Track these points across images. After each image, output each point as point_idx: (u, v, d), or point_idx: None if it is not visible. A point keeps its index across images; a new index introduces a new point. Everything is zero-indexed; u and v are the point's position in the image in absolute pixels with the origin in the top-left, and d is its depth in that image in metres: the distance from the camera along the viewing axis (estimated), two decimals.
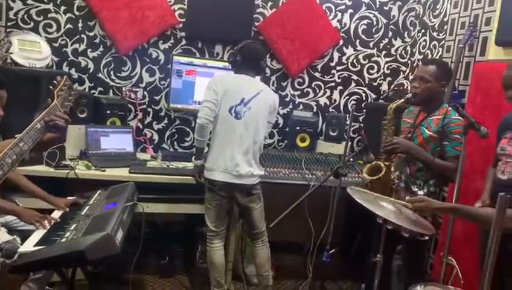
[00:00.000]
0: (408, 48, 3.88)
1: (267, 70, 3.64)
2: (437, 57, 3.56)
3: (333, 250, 2.47)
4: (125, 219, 2.23)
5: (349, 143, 3.76)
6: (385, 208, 1.97)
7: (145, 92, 3.49)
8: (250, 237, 2.88)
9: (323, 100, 3.84)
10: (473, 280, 2.23)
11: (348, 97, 3.87)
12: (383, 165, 2.39)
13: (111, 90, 3.44)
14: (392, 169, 2.48)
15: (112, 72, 3.42)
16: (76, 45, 3.34)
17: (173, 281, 3.19)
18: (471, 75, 3.11)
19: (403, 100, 2.45)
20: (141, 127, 3.52)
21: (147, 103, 3.51)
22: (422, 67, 2.51)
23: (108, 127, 3.21)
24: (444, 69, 2.52)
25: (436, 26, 3.60)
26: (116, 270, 2.94)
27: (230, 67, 2.86)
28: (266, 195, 2.83)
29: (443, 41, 3.49)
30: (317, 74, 3.78)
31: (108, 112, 3.23)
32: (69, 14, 3.28)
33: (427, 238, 2.39)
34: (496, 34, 2.90)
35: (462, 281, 2.23)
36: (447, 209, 1.97)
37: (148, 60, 3.47)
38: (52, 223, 2.05)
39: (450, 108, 2.44)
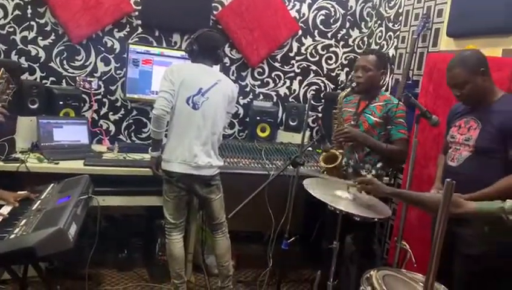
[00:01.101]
0: (365, 39, 3.95)
1: (227, 60, 3.62)
2: (391, 48, 3.65)
3: (293, 238, 2.50)
4: (80, 213, 2.17)
5: (309, 133, 3.84)
6: (342, 199, 2.01)
7: (100, 82, 3.39)
8: (210, 228, 2.87)
9: (283, 90, 3.85)
10: (426, 263, 2.32)
11: (307, 87, 3.91)
12: (338, 153, 2.45)
13: (64, 80, 3.31)
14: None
15: (64, 62, 3.29)
16: (25, 33, 3.18)
17: (132, 274, 3.14)
18: (424, 65, 3.20)
19: (349, 90, 2.57)
20: (96, 118, 3.42)
21: (102, 93, 3.41)
22: (363, 57, 2.65)
23: (61, 118, 3.09)
24: (383, 58, 2.68)
25: (391, 17, 3.68)
26: (72, 265, 2.86)
27: (188, 57, 2.80)
28: (226, 185, 2.83)
29: (398, 32, 3.57)
30: (276, 64, 3.79)
31: (61, 102, 3.11)
32: (16, 0, 3.12)
33: (376, 220, 2.46)
34: (447, 26, 3.00)
35: (415, 265, 2.31)
36: (390, 194, 2.03)
37: (103, 48, 3.36)
38: None
39: (389, 94, 2.66)
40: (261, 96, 3.79)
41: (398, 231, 2.42)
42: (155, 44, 3.42)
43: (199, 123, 2.61)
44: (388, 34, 3.70)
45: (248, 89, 3.75)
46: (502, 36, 2.56)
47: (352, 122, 2.64)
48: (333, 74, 3.93)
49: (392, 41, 3.65)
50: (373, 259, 2.75)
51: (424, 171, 2.93)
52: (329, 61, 3.90)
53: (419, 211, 2.87)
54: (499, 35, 2.59)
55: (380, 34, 3.82)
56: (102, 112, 3.43)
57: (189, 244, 3.05)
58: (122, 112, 3.48)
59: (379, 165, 2.62)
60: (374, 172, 2.61)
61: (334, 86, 3.96)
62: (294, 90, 3.88)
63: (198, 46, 2.68)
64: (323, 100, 3.92)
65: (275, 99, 3.83)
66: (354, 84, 2.58)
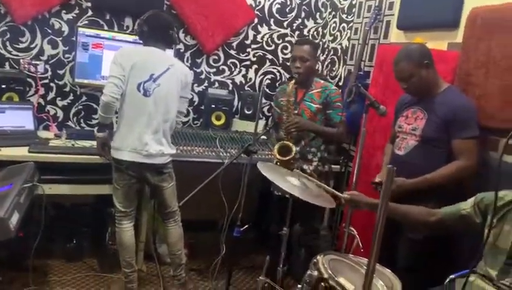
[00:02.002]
0: (320, 29, 3.99)
1: (181, 46, 3.55)
2: (344, 39, 3.72)
3: (246, 226, 2.52)
4: (23, 202, 2.09)
5: (264, 121, 3.86)
6: (290, 183, 2.04)
7: (47, 66, 3.24)
8: (162, 217, 2.83)
9: (238, 78, 3.84)
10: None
11: (263, 76, 3.91)
12: (291, 145, 2.50)
13: (7, 63, 3.14)
14: None
15: (7, 43, 3.12)
16: None
17: (81, 264, 3.06)
18: (375, 56, 3.28)
19: (294, 81, 2.66)
20: (43, 103, 3.27)
21: (49, 77, 3.26)
22: (299, 48, 2.76)
23: (4, 102, 2.94)
24: (317, 47, 2.87)
25: (345, 8, 3.74)
26: (15, 256, 2.75)
27: (139, 40, 2.71)
28: (180, 174, 2.79)
29: (351, 24, 3.64)
30: (232, 52, 3.77)
31: (3, 86, 2.95)
32: None
33: (328, 206, 2.52)
34: (397, 19, 3.09)
35: (362, 249, 2.39)
36: (370, 205, 2.08)
37: (50, 31, 3.20)
38: None
39: (322, 80, 2.84)
40: (217, 84, 3.76)
41: (347, 218, 2.49)
42: (106, 27, 3.30)
43: (150, 111, 2.54)
44: (342, 25, 3.76)
45: (203, 76, 3.71)
46: (448, 30, 2.66)
47: (294, 112, 2.71)
48: (289, 64, 3.94)
49: (345, 32, 3.72)
50: (322, 245, 2.84)
51: (372, 159, 3.03)
52: (284, 51, 3.92)
53: (369, 196, 2.97)
54: (445, 29, 2.69)
55: (334, 24, 3.87)
56: (49, 97, 3.29)
57: (141, 233, 3.00)
58: (71, 97, 3.35)
59: (322, 148, 2.82)
60: (319, 155, 2.79)
61: (289, 76, 3.97)
62: (250, 78, 3.87)
63: (148, 27, 2.58)
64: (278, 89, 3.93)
65: (230, 88, 3.82)
66: (295, 75, 2.67)
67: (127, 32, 3.34)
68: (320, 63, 3.96)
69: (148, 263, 3.15)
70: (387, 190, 1.29)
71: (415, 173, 2.26)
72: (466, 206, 1.93)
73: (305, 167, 2.75)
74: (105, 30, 3.25)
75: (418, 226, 2.08)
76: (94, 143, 2.95)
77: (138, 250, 2.91)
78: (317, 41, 3.92)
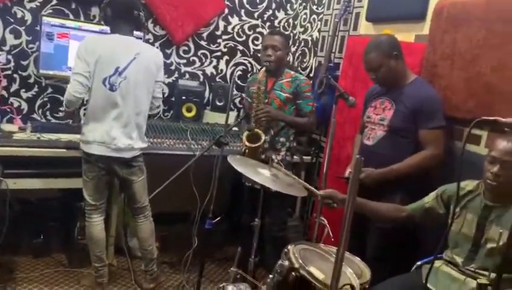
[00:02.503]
0: (290, 21, 3.99)
1: (150, 36, 3.49)
2: (315, 30, 3.74)
3: (218, 218, 2.52)
4: None
5: (236, 113, 3.85)
6: (262, 174, 2.04)
7: (10, 56, 3.11)
8: (132, 212, 2.78)
9: (209, 69, 3.81)
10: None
11: (234, 67, 3.89)
12: (260, 132, 2.50)
13: None
14: None
15: None
16: None
17: (49, 260, 2.99)
18: (345, 48, 3.32)
19: (264, 69, 2.67)
20: (6, 95, 3.15)
21: (12, 68, 3.14)
22: (271, 37, 2.79)
23: None
24: (287, 38, 2.93)
25: (315, 0, 3.75)
26: None
27: (108, 31, 2.61)
28: (151, 167, 2.75)
29: (321, 15, 3.66)
30: (203, 43, 3.73)
31: None
32: None
33: (299, 195, 2.55)
34: (366, 11, 3.13)
35: (333, 239, 2.43)
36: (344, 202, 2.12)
37: (12, 20, 3.08)
38: None
39: (292, 71, 2.88)
40: (187, 76, 3.72)
41: (317, 208, 2.53)
42: (72, 17, 3.20)
43: (118, 105, 2.47)
44: (312, 16, 3.78)
45: (173, 67, 3.66)
46: (416, 22, 2.72)
47: (265, 101, 2.73)
48: (259, 55, 3.94)
49: (315, 24, 3.74)
50: (293, 235, 2.87)
51: (342, 150, 3.07)
52: (256, 42, 3.91)
53: (338, 188, 3.01)
54: (412, 21, 2.75)
55: (304, 16, 3.89)
56: (12, 89, 3.17)
57: (111, 227, 2.96)
58: (36, 89, 3.24)
59: (292, 137, 2.85)
60: (288, 145, 2.82)
61: (260, 67, 3.97)
62: (221, 70, 3.85)
63: (111, 10, 2.48)
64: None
65: (201, 79, 3.78)
66: (265, 64, 2.67)
67: (94, 22, 3.25)
68: (291, 55, 3.97)
69: (118, 257, 3.11)
70: (355, 179, 1.31)
71: (383, 163, 2.30)
72: (429, 199, 2.01)
73: (273, 156, 2.74)
74: (71, 20, 3.15)
75: (388, 222, 2.14)
76: (61, 136, 2.89)
77: (108, 244, 2.86)
78: (287, 32, 3.92)
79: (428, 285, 1.85)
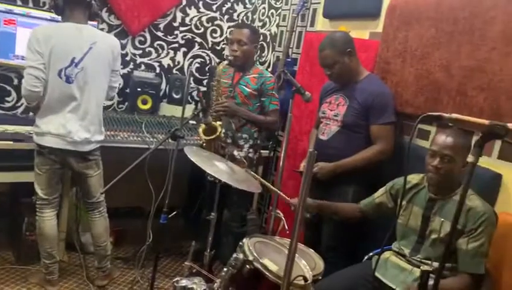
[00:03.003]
0: (249, 14, 3.99)
1: (105, 26, 3.38)
2: (273, 25, 3.76)
3: (174, 212, 2.49)
4: None
5: (194, 106, 3.81)
6: (218, 168, 2.04)
7: None
8: (85, 207, 2.70)
9: (166, 61, 3.74)
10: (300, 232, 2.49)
11: (192, 59, 3.84)
12: (218, 125, 2.48)
13: None
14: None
15: None
16: None
17: None
18: (302, 44, 3.35)
19: (226, 62, 2.67)
20: None
21: None
22: (238, 31, 2.74)
23: None
24: (255, 32, 2.82)
25: None
26: None
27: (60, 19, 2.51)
28: (104, 160, 2.67)
29: (280, 10, 3.67)
30: (159, 33, 3.65)
31: None
32: None
33: (255, 191, 2.56)
34: (323, 7, 3.17)
35: (288, 232, 2.46)
36: (317, 207, 2.22)
37: None
38: None
39: (261, 67, 2.82)
40: (143, 67, 3.63)
41: (273, 201, 2.55)
42: (19, 3, 3.05)
43: (75, 97, 2.38)
44: (270, 11, 3.79)
45: (128, 58, 3.56)
46: (370, 20, 2.78)
47: (229, 94, 2.72)
48: (218, 48, 3.92)
49: (274, 19, 3.75)
50: (251, 228, 2.88)
51: (299, 144, 3.11)
52: (214, 35, 3.87)
53: (294, 181, 3.06)
54: (367, 19, 2.81)
55: (263, 10, 3.89)
56: None
57: (62, 222, 2.85)
58: None
59: (255, 135, 2.80)
60: (251, 141, 2.77)
61: (219, 60, 3.94)
62: (179, 62, 3.79)
63: None
64: (208, 74, 3.90)
65: (157, 71, 3.71)
66: (230, 58, 2.63)
67: (44, 8, 3.10)
68: None
69: (70, 252, 3.01)
70: (308, 172, 1.33)
71: (336, 157, 2.36)
72: (378, 194, 2.10)
73: (235, 152, 2.73)
74: (19, 6, 2.99)
75: (349, 220, 2.21)
76: (8, 127, 2.75)
77: (59, 240, 2.77)
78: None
79: (377, 275, 1.92)
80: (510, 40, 1.94)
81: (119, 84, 2.87)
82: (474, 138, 1.72)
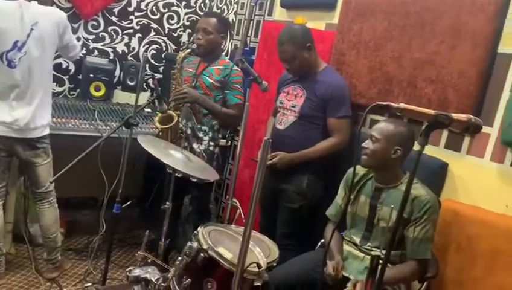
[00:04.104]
0: (207, 2, 3.93)
1: None
2: (231, 13, 3.72)
3: (129, 202, 2.44)
4: None
5: (149, 94, 3.73)
6: (174, 157, 2.01)
7: None
8: (34, 197, 2.60)
9: (120, 47, 3.63)
10: (255, 220, 2.51)
11: (147, 46, 3.75)
12: (174, 114, 2.44)
13: None
14: (179, 118, 2.60)
15: None
16: None
17: None
18: (260, 33, 3.34)
19: (189, 50, 2.56)
20: None
21: None
22: (205, 20, 2.65)
23: None
24: (223, 22, 2.71)
25: None
26: None
27: None
28: (55, 149, 2.58)
29: None
30: (113, 18, 3.53)
31: None
32: None
33: (212, 180, 2.55)
34: None
35: (244, 220, 2.47)
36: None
37: None
38: None
39: (228, 59, 2.72)
40: (96, 52, 3.51)
41: (230, 190, 2.55)
42: None
43: (19, 82, 2.28)
44: None
45: (81, 42, 3.42)
46: (327, 11, 2.81)
47: (191, 84, 2.65)
48: (175, 34, 3.85)
49: (232, 7, 3.72)
50: (208, 218, 2.87)
51: (256, 133, 3.12)
52: (171, 21, 3.79)
53: (251, 170, 3.07)
54: (323, 10, 2.84)
55: None
56: None
57: (9, 213, 2.73)
58: None
59: (216, 127, 2.69)
60: (211, 134, 2.68)
61: (175, 47, 3.88)
62: (134, 48, 3.68)
63: None
64: (164, 61, 3.82)
65: (111, 57, 3.59)
66: (194, 46, 2.57)
67: None
68: None
69: (18, 244, 2.89)
70: (263, 160, 1.34)
71: (293, 147, 2.39)
72: (339, 197, 2.11)
73: (195, 145, 2.67)
74: None
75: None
76: None
77: (6, 231, 2.65)
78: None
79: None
80: (458, 34, 2.02)
81: (79, 50, 2.71)
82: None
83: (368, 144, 1.86)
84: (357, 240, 1.98)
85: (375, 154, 1.84)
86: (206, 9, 3.92)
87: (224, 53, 3.77)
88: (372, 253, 1.37)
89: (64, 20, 2.44)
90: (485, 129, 1.93)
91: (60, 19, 2.42)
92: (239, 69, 2.62)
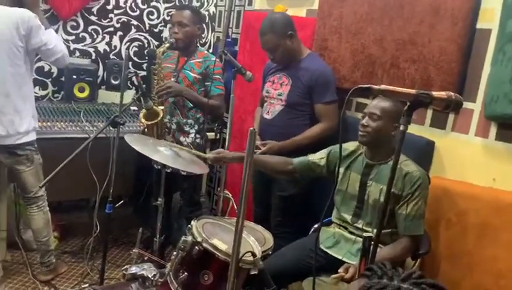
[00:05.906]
0: None
1: None
2: (211, 5, 3.70)
3: (121, 201, 2.44)
4: None
5: (134, 91, 3.71)
6: (162, 153, 2.01)
7: None
8: (24, 202, 2.58)
9: (102, 46, 3.59)
10: (248, 210, 2.52)
11: (129, 43, 3.71)
12: (159, 110, 2.43)
13: None
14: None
15: None
16: None
17: None
18: (241, 23, 3.34)
19: (167, 45, 2.54)
20: None
21: None
22: (178, 13, 2.62)
23: None
24: (198, 14, 2.71)
25: None
26: None
27: None
28: (42, 153, 2.55)
29: None
30: (93, 18, 3.49)
31: None
32: None
33: (202, 172, 2.56)
34: None
35: (237, 211, 2.49)
36: (236, 158, 2.18)
37: None
38: None
39: (206, 51, 2.73)
40: (77, 53, 3.47)
41: (221, 182, 2.56)
42: None
43: None
44: None
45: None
46: None
47: (172, 79, 2.63)
48: (156, 30, 3.81)
49: None
50: (200, 210, 2.87)
51: (244, 124, 3.13)
52: (151, 17, 3.76)
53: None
54: None
55: None
56: None
57: (1, 220, 2.71)
58: None
59: (201, 120, 2.69)
60: (196, 127, 2.69)
61: (158, 43, 3.85)
62: (115, 46, 3.65)
63: None
64: (147, 57, 3.79)
65: (93, 56, 3.56)
66: (172, 40, 2.55)
67: None
68: None
69: (12, 251, 2.88)
70: (250, 150, 1.34)
71: (281, 135, 2.40)
72: (314, 157, 2.13)
73: (181, 139, 2.67)
74: None
75: (277, 174, 2.24)
76: None
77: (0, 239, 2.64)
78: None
79: (322, 247, 1.98)
80: (436, 12, 2.04)
81: (61, 55, 2.53)
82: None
83: (368, 122, 1.86)
84: (348, 217, 1.99)
85: (378, 132, 1.85)
86: (186, 2, 3.89)
87: (207, 46, 3.77)
88: (364, 234, 1.38)
89: (28, 21, 2.24)
90: (469, 105, 1.97)
91: (20, 19, 2.22)
92: (218, 60, 2.64)
